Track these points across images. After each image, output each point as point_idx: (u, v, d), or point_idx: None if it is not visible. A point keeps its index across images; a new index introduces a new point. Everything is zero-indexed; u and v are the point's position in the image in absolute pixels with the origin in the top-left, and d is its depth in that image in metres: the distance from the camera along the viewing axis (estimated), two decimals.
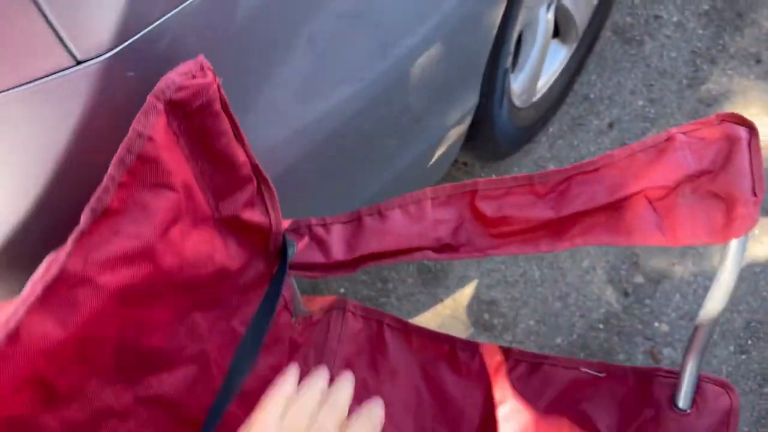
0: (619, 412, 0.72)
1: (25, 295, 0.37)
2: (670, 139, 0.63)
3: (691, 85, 1.55)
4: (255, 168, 0.53)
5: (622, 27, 1.68)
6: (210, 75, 0.44)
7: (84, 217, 0.39)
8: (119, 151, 0.40)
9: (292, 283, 0.67)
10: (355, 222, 0.65)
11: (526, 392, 0.75)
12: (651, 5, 1.72)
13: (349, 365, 0.76)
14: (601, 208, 0.64)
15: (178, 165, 0.44)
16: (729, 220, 0.60)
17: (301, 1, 0.59)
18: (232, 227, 0.54)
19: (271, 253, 0.61)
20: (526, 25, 1.23)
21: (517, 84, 1.27)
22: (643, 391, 0.72)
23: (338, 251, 0.64)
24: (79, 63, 0.42)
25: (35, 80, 0.41)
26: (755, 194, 0.60)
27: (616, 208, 0.64)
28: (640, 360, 1.23)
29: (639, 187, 0.63)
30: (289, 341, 0.69)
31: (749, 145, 0.61)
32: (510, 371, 0.76)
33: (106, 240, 0.40)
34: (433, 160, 1.03)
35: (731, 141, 0.61)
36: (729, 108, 1.52)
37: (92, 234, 0.40)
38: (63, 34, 0.40)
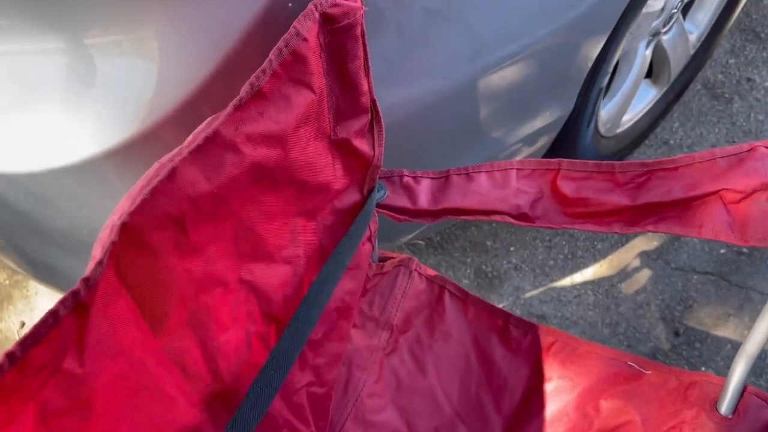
0: (659, 408, 0.75)
1: (186, 143, 0.45)
2: (752, 149, 0.67)
3: None
4: (373, 101, 0.60)
5: (712, 83, 1.71)
6: (359, 1, 0.52)
7: (243, 92, 0.46)
8: (279, 43, 0.47)
9: (375, 234, 0.74)
10: (443, 179, 0.71)
11: (570, 374, 0.78)
12: (745, 67, 1.74)
13: (407, 319, 0.81)
14: (676, 201, 0.68)
15: (318, 72, 0.51)
16: None
17: None
18: (342, 150, 0.61)
19: (366, 188, 0.67)
20: (624, 55, 1.28)
21: (605, 111, 1.32)
22: (686, 393, 0.75)
23: (424, 201, 0.70)
24: None
25: None
26: None
27: (690, 204, 0.67)
28: None
29: (715, 188, 0.66)
30: (365, 278, 0.75)
31: None
32: (558, 352, 0.79)
33: (253, 118, 0.47)
34: None
35: None
36: None
37: (244, 109, 0.47)
38: None
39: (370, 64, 0.57)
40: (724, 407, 0.72)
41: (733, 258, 1.41)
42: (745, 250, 1.42)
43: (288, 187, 0.55)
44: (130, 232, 0.42)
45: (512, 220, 0.70)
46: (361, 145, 0.62)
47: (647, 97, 1.49)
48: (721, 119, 1.63)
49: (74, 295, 0.37)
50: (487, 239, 1.46)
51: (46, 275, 0.82)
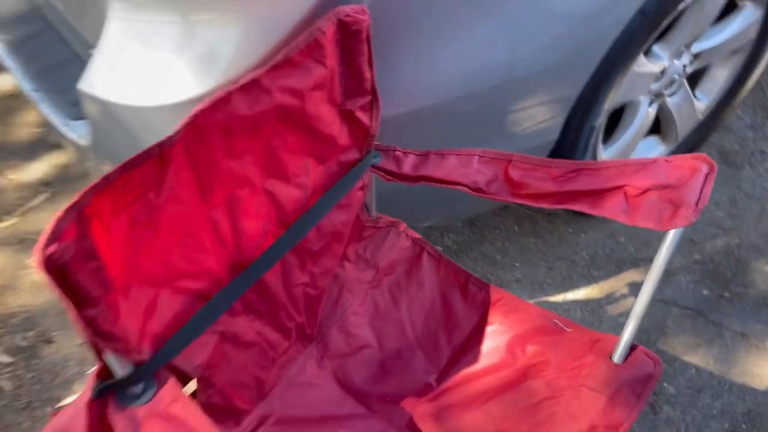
0: (569, 354, 0.96)
1: (238, 83, 0.73)
2: (655, 161, 0.89)
3: None
4: (373, 86, 0.88)
5: (727, 151, 1.89)
6: (366, 16, 0.80)
7: (279, 57, 0.75)
8: (307, 32, 0.76)
9: (373, 184, 1.00)
10: (424, 155, 0.97)
11: (508, 323, 1.01)
12: (762, 141, 1.92)
13: (391, 266, 1.07)
14: (591, 191, 0.91)
15: (331, 56, 0.80)
16: (673, 217, 0.85)
17: None
18: (347, 118, 0.89)
19: (364, 151, 0.94)
20: (628, 106, 1.51)
21: (606, 154, 1.54)
22: (593, 346, 0.96)
23: (407, 168, 0.96)
24: None
25: None
26: (697, 205, 0.84)
27: (602, 193, 0.90)
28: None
29: (621, 183, 0.89)
30: (360, 230, 1.02)
31: (706, 176, 0.86)
32: (502, 306, 1.02)
33: (283, 75, 0.76)
34: None
35: (694, 170, 0.87)
36: None
37: (278, 68, 0.75)
38: None
39: (373, 60, 0.85)
40: (616, 357, 0.92)
41: (714, 299, 1.57)
42: (726, 293, 1.58)
43: (304, 132, 0.83)
44: (196, 125, 0.70)
45: (469, 191, 0.95)
46: (363, 117, 0.90)
47: (654, 152, 1.70)
48: (727, 182, 1.81)
49: (159, 145, 0.65)
50: (497, 254, 1.69)
51: None
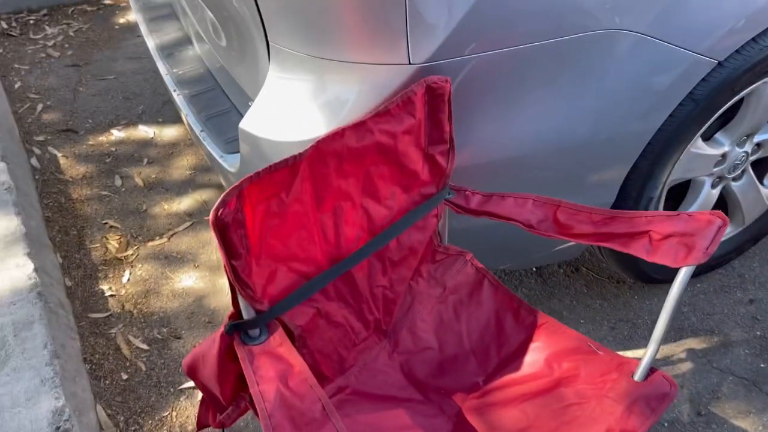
0: (596, 371, 1.14)
1: (349, 124, 1.03)
2: (679, 214, 1.09)
3: None
4: (451, 138, 1.15)
5: None
6: (448, 83, 1.08)
7: (380, 108, 1.04)
8: (402, 93, 1.05)
9: (445, 216, 1.26)
10: (488, 196, 1.22)
11: (549, 343, 1.20)
12: None
13: (456, 287, 1.30)
14: (622, 234, 1.11)
15: (420, 111, 1.08)
16: (686, 257, 1.04)
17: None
18: (429, 160, 1.16)
19: (440, 187, 1.21)
20: (692, 183, 1.68)
21: None
22: (618, 366, 1.13)
23: (473, 204, 1.21)
24: (410, 64, 1.10)
25: (380, 63, 1.10)
26: (707, 249, 1.03)
27: (631, 235, 1.11)
28: None
29: (647, 229, 1.09)
30: (433, 249, 1.27)
31: (718, 228, 1.05)
32: (546, 329, 1.22)
33: (386, 120, 1.05)
34: None
35: (709, 223, 1.06)
36: None
37: (380, 115, 1.05)
38: (411, 42, 1.08)
39: (452, 116, 1.13)
40: (637, 375, 1.09)
41: None
42: None
43: (395, 166, 1.11)
44: (318, 149, 1.00)
45: (523, 227, 1.18)
46: (441, 160, 1.17)
47: None
48: None
49: (294, 157, 0.95)
50: (564, 310, 1.86)
51: None
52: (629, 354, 1.73)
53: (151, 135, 2.59)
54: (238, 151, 1.44)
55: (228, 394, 1.02)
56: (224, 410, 1.04)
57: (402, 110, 1.08)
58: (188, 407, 1.64)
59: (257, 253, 0.97)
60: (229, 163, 1.41)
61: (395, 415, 1.15)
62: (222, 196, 0.86)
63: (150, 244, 2.12)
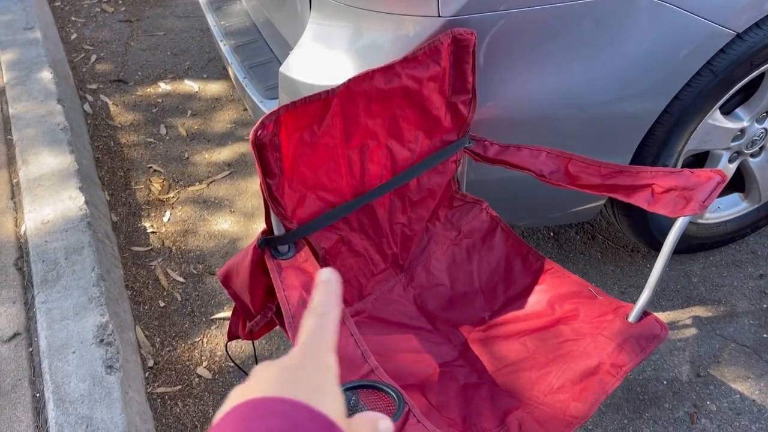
0: (594, 312, 1.23)
1: (378, 67, 1.13)
2: (681, 171, 1.17)
3: None
4: (473, 88, 1.25)
5: None
6: (474, 36, 1.17)
7: (408, 54, 1.14)
8: (429, 42, 1.15)
9: (465, 164, 1.36)
10: (505, 147, 1.31)
11: (553, 286, 1.30)
12: None
13: (471, 231, 1.40)
14: (627, 186, 1.19)
15: (445, 59, 1.18)
16: (683, 208, 1.12)
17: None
18: (452, 108, 1.26)
19: (460, 135, 1.30)
20: (709, 156, 1.74)
21: None
22: (615, 309, 1.22)
23: (491, 153, 1.30)
24: (439, 17, 1.19)
25: (412, 15, 1.19)
26: (704, 203, 1.11)
27: (634, 187, 1.19)
28: (680, 414, 1.58)
29: (651, 182, 1.17)
30: (451, 195, 1.37)
31: (717, 183, 1.13)
32: (551, 274, 1.31)
33: (413, 66, 1.15)
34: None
35: (709, 178, 1.14)
36: None
37: (408, 61, 1.14)
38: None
39: (476, 68, 1.22)
40: (631, 317, 1.18)
41: None
42: None
43: (420, 110, 1.21)
44: (349, 88, 1.10)
45: (535, 176, 1.27)
46: (463, 109, 1.26)
47: (735, 207, 1.89)
48: None
49: (326, 92, 1.06)
50: (577, 273, 1.94)
51: None
52: None
53: (196, 89, 2.72)
54: (277, 98, 1.55)
55: (258, 304, 1.15)
56: (253, 318, 1.17)
57: (428, 57, 1.17)
58: (218, 335, 1.78)
59: (290, 177, 1.08)
60: (268, 108, 1.52)
61: (406, 339, 1.26)
62: (261, 118, 0.97)
63: (190, 188, 2.26)
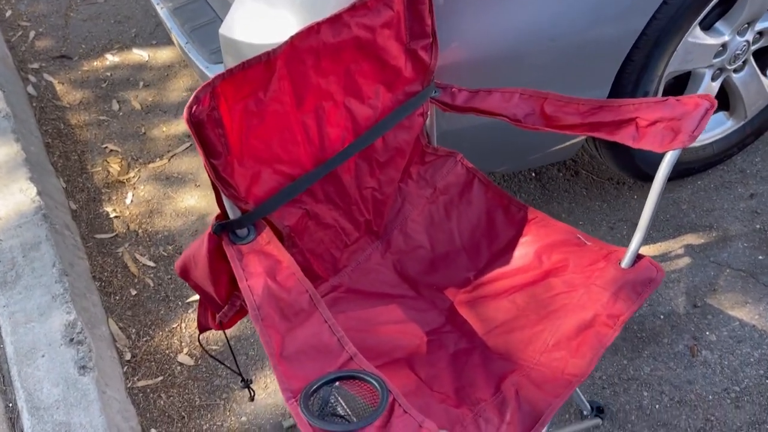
0: (585, 260, 1.15)
1: (325, 18, 1.01)
2: (666, 99, 1.07)
3: None
4: (433, 31, 1.13)
5: None
6: None
7: (357, 1, 1.02)
8: None
9: (433, 116, 1.25)
10: (474, 92, 1.20)
11: (539, 236, 1.21)
12: None
13: (447, 187, 1.30)
14: (609, 122, 1.10)
15: (398, 3, 1.06)
16: (672, 141, 1.03)
17: None
18: (412, 55, 1.14)
19: (424, 84, 1.19)
20: (691, 76, 1.64)
21: None
22: (606, 255, 1.14)
23: (459, 101, 1.20)
24: None
25: None
26: (693, 132, 1.02)
27: (618, 123, 1.09)
28: (680, 348, 1.53)
29: (634, 116, 1.08)
30: (422, 150, 1.27)
31: (706, 110, 1.03)
32: (536, 224, 1.23)
33: (362, 14, 1.03)
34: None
35: (697, 106, 1.04)
36: None
37: (356, 9, 1.02)
38: None
39: (433, 8, 1.10)
40: (624, 262, 1.10)
41: None
42: None
43: (376, 62, 1.10)
44: (293, 45, 0.99)
45: (510, 122, 1.17)
46: (424, 55, 1.15)
47: (721, 127, 1.80)
48: None
49: (267, 53, 0.94)
50: (563, 213, 1.87)
51: None
52: None
53: (146, 58, 2.56)
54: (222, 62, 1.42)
55: (223, 294, 1.05)
56: (221, 309, 1.08)
57: (379, 2, 1.05)
58: (196, 319, 1.70)
59: (238, 153, 0.97)
60: (213, 74, 1.39)
61: (388, 310, 1.18)
62: (194, 92, 0.86)
63: (150, 165, 2.13)
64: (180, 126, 2.26)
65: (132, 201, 2.02)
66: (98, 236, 1.93)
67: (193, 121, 0.86)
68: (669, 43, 1.44)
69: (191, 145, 2.19)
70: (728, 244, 1.73)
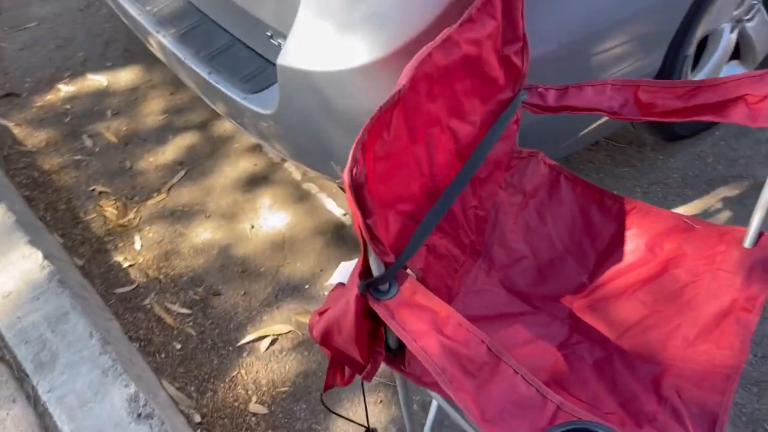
0: (702, 245, 1.13)
1: (434, 42, 0.92)
2: (766, 72, 1.05)
3: None
4: (524, 33, 1.05)
5: None
6: None
7: (463, 16, 0.93)
8: None
9: (520, 119, 1.18)
10: (563, 89, 1.14)
11: (644, 227, 1.18)
12: None
13: (535, 190, 1.25)
14: (715, 103, 1.07)
15: (498, 11, 0.97)
16: None
17: None
18: (505, 63, 1.07)
19: (516, 89, 1.12)
20: (712, 34, 1.64)
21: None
22: (722, 237, 1.13)
23: (551, 101, 1.14)
24: None
25: None
26: None
27: (725, 103, 1.06)
28: None
29: (742, 93, 1.05)
30: (510, 151, 1.20)
31: None
32: (636, 214, 1.20)
33: (470, 29, 0.94)
34: None
35: None
36: None
37: (462, 25, 0.93)
38: None
39: (524, 14, 1.03)
40: (747, 242, 1.09)
41: None
42: None
43: (478, 77, 1.02)
44: (412, 78, 0.89)
45: (607, 115, 1.12)
46: (516, 60, 1.07)
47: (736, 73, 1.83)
48: None
49: (393, 96, 0.85)
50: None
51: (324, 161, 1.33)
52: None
53: (105, 83, 2.34)
54: (263, 89, 1.30)
55: (365, 353, 0.97)
56: (363, 369, 0.99)
57: (483, 12, 0.97)
58: (254, 362, 1.59)
59: (376, 204, 0.88)
60: (261, 105, 1.27)
61: (512, 332, 1.13)
62: (351, 153, 0.76)
63: (149, 202, 1.96)
64: (167, 153, 2.09)
65: (142, 245, 1.86)
66: (118, 291, 1.76)
67: (355, 185, 0.76)
68: (708, 5, 1.43)
69: (186, 171, 2.03)
70: (761, 189, 1.76)
